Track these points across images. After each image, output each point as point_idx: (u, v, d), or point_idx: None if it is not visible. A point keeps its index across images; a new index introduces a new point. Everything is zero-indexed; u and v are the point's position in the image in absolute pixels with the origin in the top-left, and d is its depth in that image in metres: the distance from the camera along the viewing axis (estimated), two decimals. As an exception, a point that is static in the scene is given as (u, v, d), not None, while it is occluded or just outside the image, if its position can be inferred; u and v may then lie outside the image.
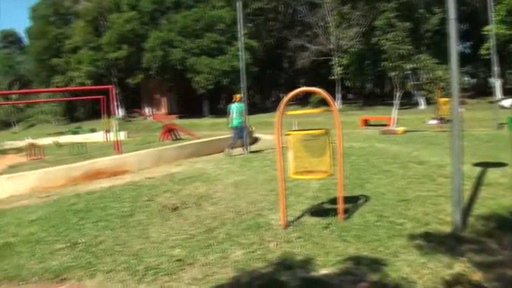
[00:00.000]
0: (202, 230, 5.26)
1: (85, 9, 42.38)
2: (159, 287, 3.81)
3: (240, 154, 12.74)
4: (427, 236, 4.52)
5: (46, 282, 4.19)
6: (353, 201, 5.94)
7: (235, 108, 13.03)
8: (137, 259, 4.47)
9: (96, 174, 10.39)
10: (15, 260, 4.85)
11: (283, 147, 5.13)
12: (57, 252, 4.93)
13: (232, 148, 12.85)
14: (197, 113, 37.61)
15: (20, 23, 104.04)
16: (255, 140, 13.63)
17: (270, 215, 5.65)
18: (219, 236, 5.01)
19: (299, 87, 6.14)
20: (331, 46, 34.58)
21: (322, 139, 5.13)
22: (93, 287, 3.97)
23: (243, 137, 13.11)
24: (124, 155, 12.60)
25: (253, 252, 4.42)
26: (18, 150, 22.86)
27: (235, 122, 13.03)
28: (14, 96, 44.57)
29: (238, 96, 13.20)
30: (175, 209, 6.40)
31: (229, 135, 13.46)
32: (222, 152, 13.14)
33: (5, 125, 48.95)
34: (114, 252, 4.74)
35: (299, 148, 5.14)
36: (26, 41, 55.49)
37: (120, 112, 39.72)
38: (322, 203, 6.07)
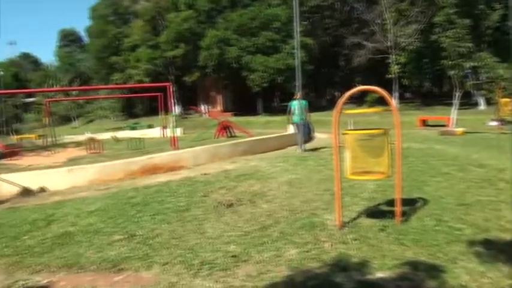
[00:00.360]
0: (256, 228, 5.27)
1: (143, 9, 43.74)
2: (214, 281, 3.85)
3: (308, 151, 12.73)
4: (487, 243, 4.32)
5: (104, 271, 4.32)
6: (411, 204, 5.77)
7: (296, 105, 13.05)
8: (193, 253, 4.54)
9: (153, 169, 10.68)
10: (74, 248, 5.04)
11: (339, 146, 5.06)
12: (115, 243, 5.08)
13: (302, 144, 12.99)
14: (251, 111, 37.85)
15: (80, 22, 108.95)
16: (310, 139, 13.56)
17: (325, 215, 5.60)
18: (273, 234, 5.00)
19: (354, 85, 6.03)
20: (389, 44, 33.74)
21: (381, 139, 5.01)
22: (149, 278, 4.05)
23: (303, 133, 13.14)
24: (180, 151, 12.88)
25: (307, 251, 4.38)
26: (78, 144, 24.02)
27: (295, 118, 13.08)
28: (74, 92, 46.82)
29: (299, 93, 13.24)
30: (230, 205, 6.45)
31: (283, 133, 13.47)
32: (276, 150, 13.17)
33: (66, 120, 51.08)
34: (170, 246, 4.84)
35: (356, 148, 5.04)
36: (86, 39, 57.83)
37: (177, 109, 40.65)
38: (379, 205, 5.94)
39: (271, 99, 45.07)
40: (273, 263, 4.15)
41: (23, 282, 4.21)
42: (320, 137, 17.55)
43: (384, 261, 4.01)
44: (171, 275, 4.06)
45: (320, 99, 47.30)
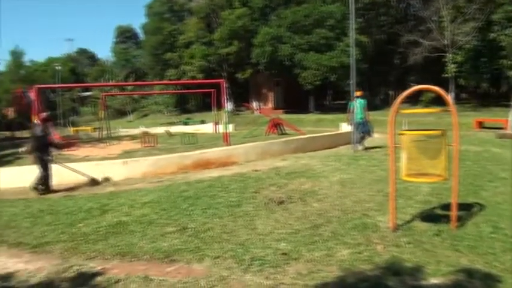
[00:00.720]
0: (307, 226, 5.26)
1: (198, 7, 44.45)
2: (264, 278, 3.88)
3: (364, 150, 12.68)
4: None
5: (156, 261, 4.45)
6: (467, 209, 5.58)
7: (357, 104, 12.94)
8: (243, 248, 4.59)
9: (206, 164, 10.89)
10: (128, 238, 5.24)
11: (395, 147, 4.96)
12: (168, 235, 5.23)
13: (361, 142, 12.96)
14: (303, 109, 37.61)
15: (136, 19, 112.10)
16: (367, 138, 13.39)
17: (378, 217, 5.51)
18: (324, 233, 4.98)
19: (409, 85, 5.90)
20: (445, 42, 32.47)
21: (438, 140, 4.85)
22: (201, 270, 4.13)
23: (364, 132, 12.98)
24: (232, 146, 13.10)
25: (359, 253, 4.34)
26: (132, 137, 24.84)
27: (357, 117, 13.00)
28: (129, 87, 48.21)
29: (359, 92, 13.07)
30: (281, 202, 6.46)
31: (335, 132, 13.35)
32: (327, 148, 13.07)
33: (121, 114, 52.55)
34: (221, 240, 4.92)
35: (413, 149, 4.90)
36: (141, 36, 59.23)
37: (229, 105, 41.06)
38: (433, 208, 5.78)
39: (323, 98, 44.64)
40: (323, 263, 4.14)
41: (78, 268, 4.41)
42: (373, 136, 17.20)
43: (438, 267, 3.91)
44: (222, 268, 4.13)
45: (373, 98, 46.33)
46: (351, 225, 5.20)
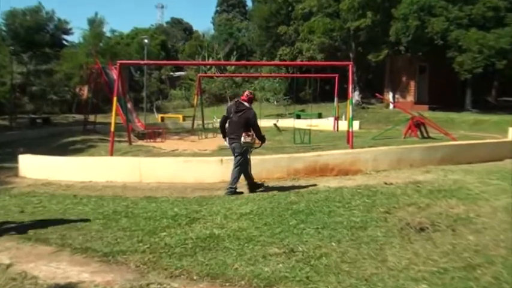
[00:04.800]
0: (458, 265, 5.02)
1: (323, -34, 44.48)
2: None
3: None
4: None
5: (255, 289, 4.47)
6: None
7: None
8: (369, 285, 4.49)
9: (322, 170, 11.00)
10: (221, 256, 5.36)
11: None
12: (271, 257, 5.28)
13: None
14: (455, 106, 35.81)
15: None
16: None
17: (563, 261, 5.06)
18: (482, 277, 4.70)
19: None
20: None
21: None
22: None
23: None
24: (357, 150, 13.05)
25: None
26: None
27: None
28: (231, 68, 49.18)
29: None
30: (421, 229, 6.28)
31: (501, 140, 12.58)
32: (489, 161, 12.53)
33: (219, 100, 52.16)
34: (339, 271, 4.86)
35: None
36: (249, 5, 60.48)
37: (356, 96, 40.48)
38: None
39: (486, 92, 42.16)
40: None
41: (157, 286, 4.56)
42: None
43: None
44: (339, 309, 4.05)
45: None
46: (522, 269, 4.85)
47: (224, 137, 9.92)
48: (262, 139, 9.89)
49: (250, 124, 9.52)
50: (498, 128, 24.23)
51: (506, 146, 15.01)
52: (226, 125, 9.82)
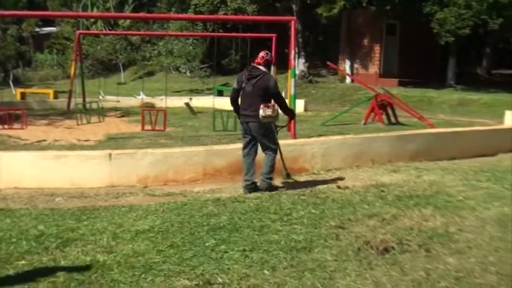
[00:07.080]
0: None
1: None
2: None
3: None
4: None
5: None
6: None
7: None
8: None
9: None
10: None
11: None
12: (179, 293, 5.06)
13: None
14: (434, 80, 35.51)
15: None
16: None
17: None
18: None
19: None
20: None
21: None
22: None
23: None
24: (301, 140, 12.66)
25: None
26: (125, 112, 24.41)
27: None
28: (124, 22, 46.21)
29: None
30: (385, 250, 6.07)
31: (494, 127, 12.63)
32: (478, 156, 12.74)
33: (107, 69, 48.44)
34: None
35: None
36: None
37: (300, 65, 38.57)
38: None
39: (475, 62, 42.38)
40: None
41: None
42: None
43: None
44: None
45: None
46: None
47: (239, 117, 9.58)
48: (290, 112, 9.78)
49: (270, 93, 9.12)
50: (490, 110, 24.39)
51: (501, 135, 14.84)
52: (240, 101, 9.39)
